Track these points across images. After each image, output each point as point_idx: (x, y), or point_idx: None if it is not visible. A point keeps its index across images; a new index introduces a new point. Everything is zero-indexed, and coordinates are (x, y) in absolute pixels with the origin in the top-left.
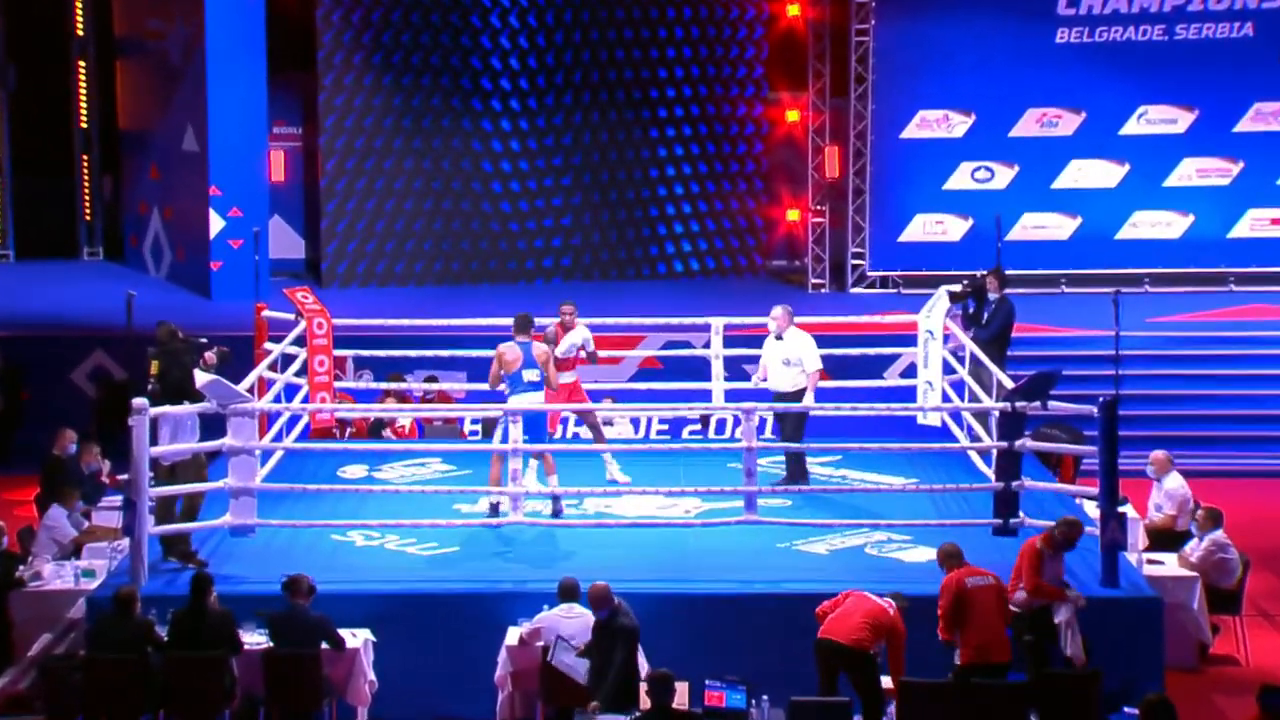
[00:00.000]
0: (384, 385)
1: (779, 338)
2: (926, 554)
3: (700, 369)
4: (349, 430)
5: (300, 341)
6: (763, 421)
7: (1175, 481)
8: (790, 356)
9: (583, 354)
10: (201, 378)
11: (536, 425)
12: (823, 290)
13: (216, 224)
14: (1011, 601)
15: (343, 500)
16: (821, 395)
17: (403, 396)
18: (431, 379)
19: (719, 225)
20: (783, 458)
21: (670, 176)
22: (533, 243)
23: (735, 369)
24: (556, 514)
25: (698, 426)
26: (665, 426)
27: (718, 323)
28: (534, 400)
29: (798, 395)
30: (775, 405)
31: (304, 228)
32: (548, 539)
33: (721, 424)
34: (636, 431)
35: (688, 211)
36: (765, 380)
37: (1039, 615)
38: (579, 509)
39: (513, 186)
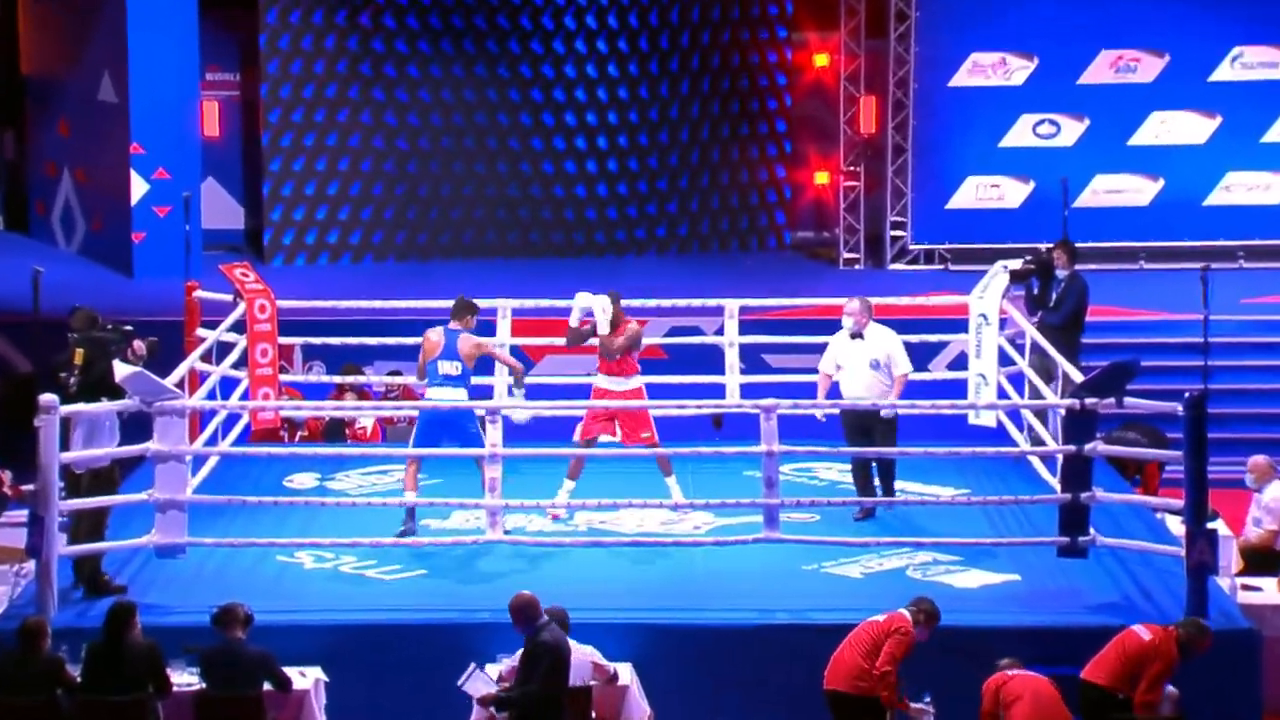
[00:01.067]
0: (338, 379)
1: (858, 335)
2: (981, 577)
3: (711, 359)
4: (298, 432)
5: (239, 327)
6: (789, 422)
7: (1277, 492)
8: (879, 357)
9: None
10: (122, 370)
11: (450, 426)
12: (856, 267)
13: (139, 188)
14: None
15: (289, 515)
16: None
17: (361, 392)
18: (395, 373)
19: (734, 191)
20: (808, 465)
21: (675, 133)
22: (515, 212)
23: (753, 359)
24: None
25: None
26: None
27: (732, 305)
28: (449, 396)
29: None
30: (838, 404)
31: (243, 193)
32: (532, 560)
33: (738, 424)
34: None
35: (697, 175)
36: (834, 382)
37: None
38: (569, 524)
39: (489, 144)
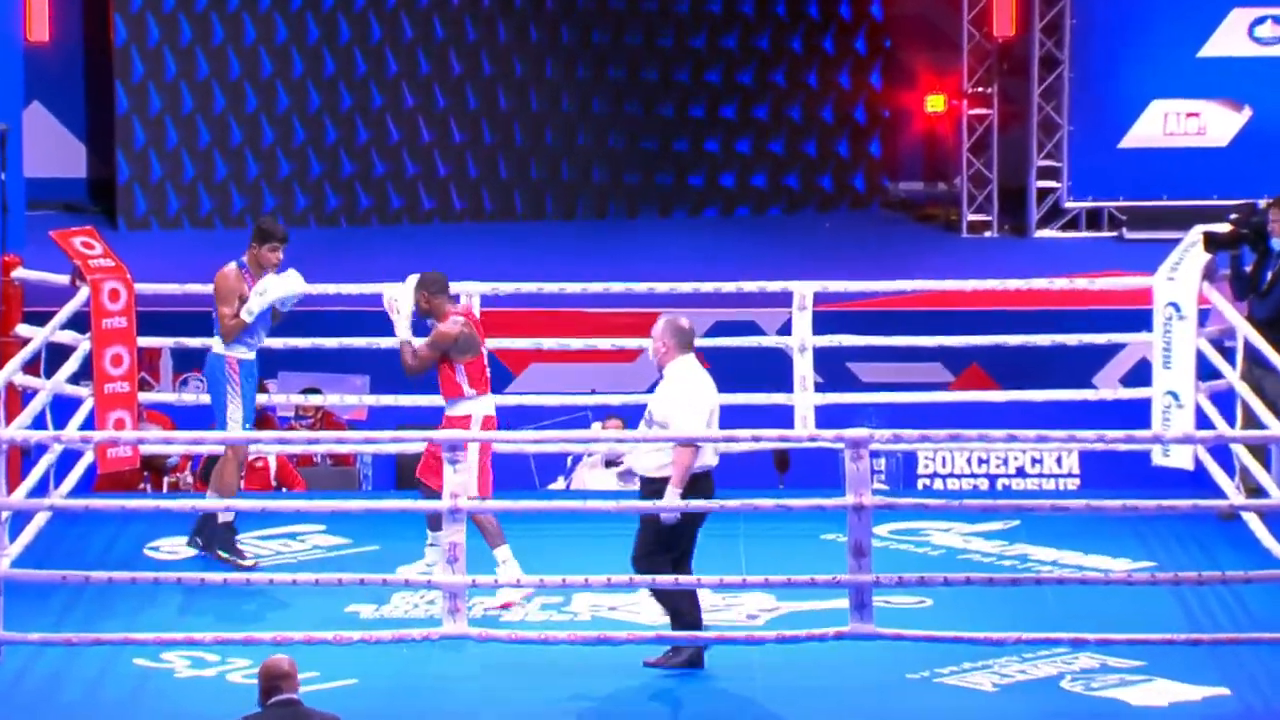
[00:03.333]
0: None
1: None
2: (1171, 691)
3: (773, 369)
4: (165, 478)
5: (81, 323)
6: (894, 460)
7: None
8: (654, 410)
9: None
10: None
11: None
12: (987, 234)
13: None
14: None
15: (154, 598)
16: (983, 416)
17: (263, 418)
18: (312, 390)
19: (805, 126)
20: (916, 525)
21: (715, 39)
22: (487, 160)
23: (833, 369)
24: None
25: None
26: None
27: (804, 290)
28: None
29: None
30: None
31: (85, 126)
32: (508, 665)
33: (811, 464)
34: None
35: (749, 102)
36: None
37: None
38: (564, 611)
39: (451, 63)
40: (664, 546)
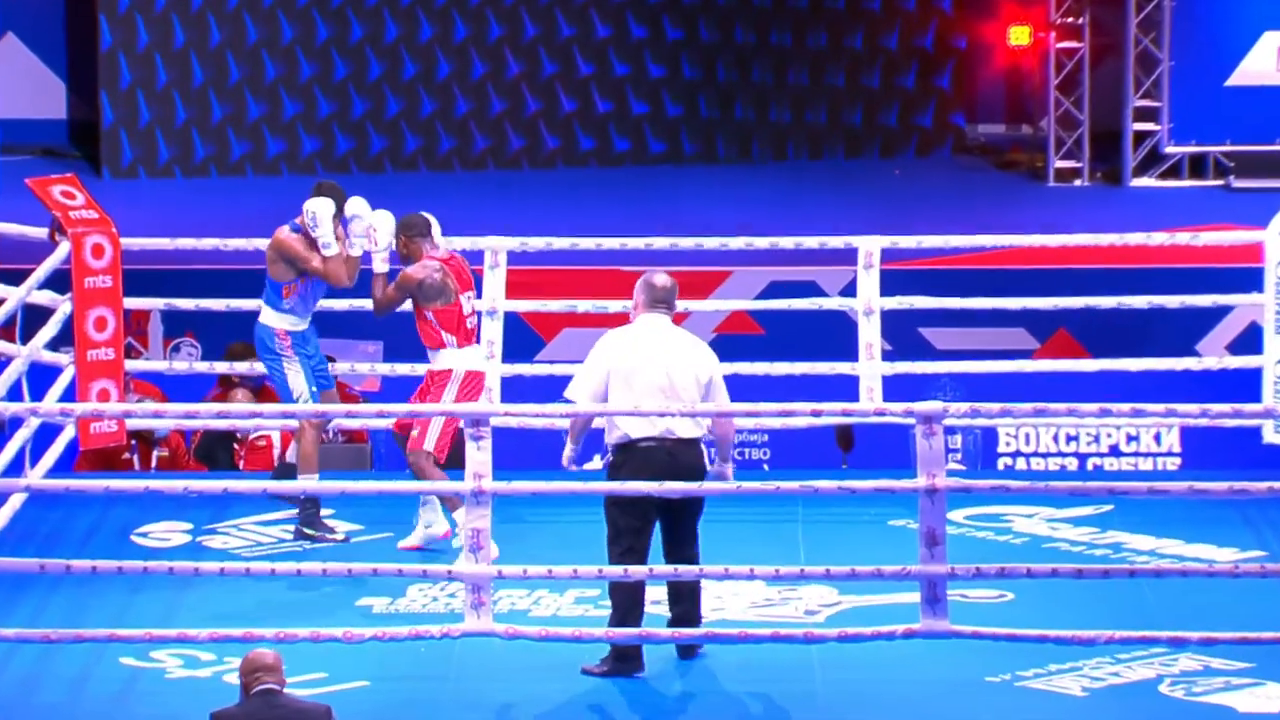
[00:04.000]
0: (222, 368)
1: None
2: None
3: (836, 335)
4: (155, 452)
5: (61, 282)
6: (971, 436)
7: None
8: None
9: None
10: None
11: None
12: (1077, 182)
13: None
14: None
15: (141, 589)
16: (1072, 388)
17: (260, 389)
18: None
19: (869, 60)
20: (996, 510)
21: None
22: (516, 94)
23: (903, 334)
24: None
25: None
26: (765, 447)
27: (870, 246)
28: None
29: None
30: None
31: (66, 64)
32: (539, 666)
33: (877, 442)
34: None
35: (804, 30)
36: None
37: None
38: (600, 605)
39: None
40: (615, 534)
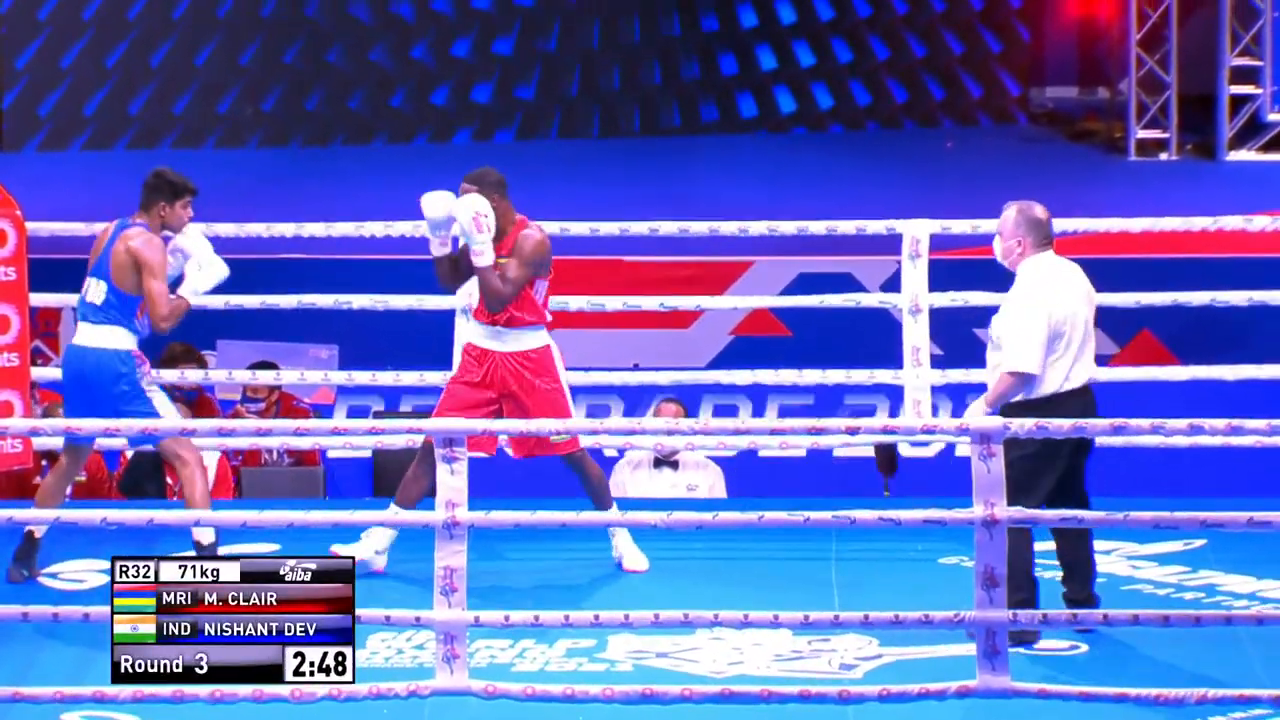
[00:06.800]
0: (155, 377)
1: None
2: None
3: (876, 337)
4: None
5: None
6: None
7: None
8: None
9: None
10: None
11: (88, 392)
12: (1163, 156)
13: None
14: None
15: (52, 642)
16: (1158, 399)
17: (198, 401)
18: (266, 365)
19: (915, 16)
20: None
21: None
22: (485, 55)
23: (955, 337)
24: None
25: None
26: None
27: (918, 231)
28: (89, 339)
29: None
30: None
31: None
32: None
33: (929, 462)
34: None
35: None
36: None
37: None
38: (597, 659)
39: None
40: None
